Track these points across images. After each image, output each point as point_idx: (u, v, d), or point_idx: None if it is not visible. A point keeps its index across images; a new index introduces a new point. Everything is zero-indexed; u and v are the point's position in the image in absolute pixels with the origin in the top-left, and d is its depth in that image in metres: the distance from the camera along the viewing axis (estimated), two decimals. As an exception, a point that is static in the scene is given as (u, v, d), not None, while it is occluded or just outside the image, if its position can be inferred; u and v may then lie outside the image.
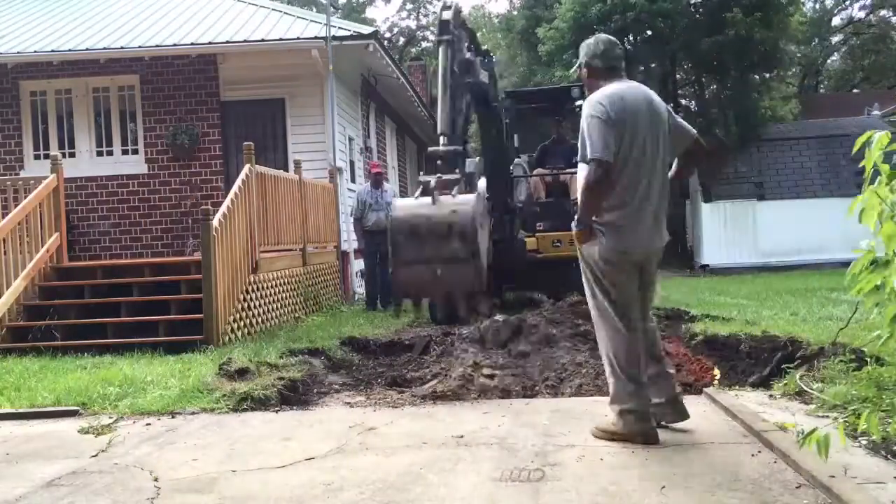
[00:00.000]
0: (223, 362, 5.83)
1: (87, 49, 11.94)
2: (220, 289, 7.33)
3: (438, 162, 5.72)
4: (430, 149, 5.91)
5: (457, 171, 5.69)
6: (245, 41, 11.79)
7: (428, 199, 5.16)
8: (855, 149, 2.71)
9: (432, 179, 5.35)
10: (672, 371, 4.26)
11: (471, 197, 5.24)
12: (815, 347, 5.32)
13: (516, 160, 11.26)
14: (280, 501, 3.23)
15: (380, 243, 9.59)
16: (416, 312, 8.56)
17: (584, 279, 4.08)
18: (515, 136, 10.95)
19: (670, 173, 4.14)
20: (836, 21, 28.76)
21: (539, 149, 11.66)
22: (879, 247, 2.69)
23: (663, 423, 4.03)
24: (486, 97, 8.81)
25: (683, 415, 4.05)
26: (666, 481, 3.21)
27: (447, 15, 6.66)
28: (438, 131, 6.09)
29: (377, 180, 11.17)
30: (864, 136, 2.71)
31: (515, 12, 22.94)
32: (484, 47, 9.66)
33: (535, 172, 11.11)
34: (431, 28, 39.73)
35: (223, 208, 7.75)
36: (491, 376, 5.54)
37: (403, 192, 17.04)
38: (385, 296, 10.65)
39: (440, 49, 6.59)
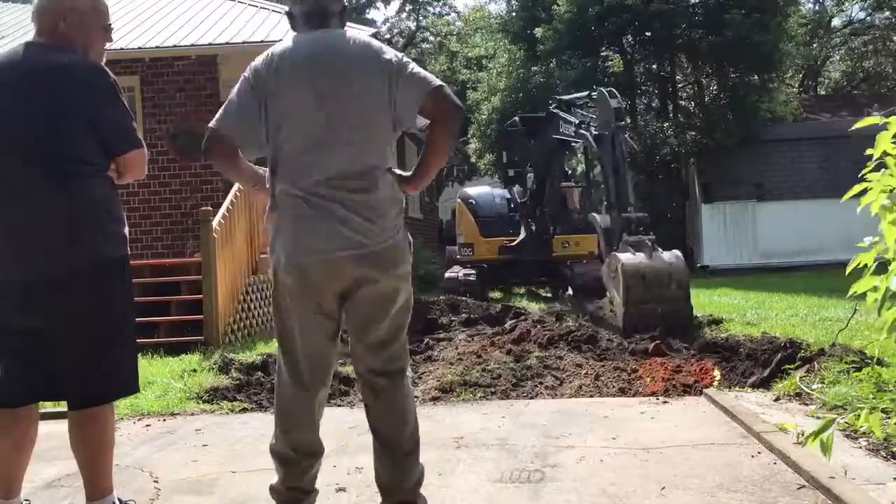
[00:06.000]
0: (223, 363, 5.84)
1: (87, 50, 11.94)
2: (220, 290, 7.33)
3: (632, 225, 7.73)
4: (624, 214, 7.90)
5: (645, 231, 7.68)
6: (245, 42, 11.77)
7: (642, 255, 7.21)
8: (859, 125, 2.69)
9: (643, 238, 7.46)
10: None
11: (677, 252, 7.37)
12: (815, 348, 5.33)
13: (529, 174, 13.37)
14: (280, 502, 3.23)
15: None
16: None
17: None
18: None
19: None
20: (835, 22, 28.75)
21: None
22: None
23: None
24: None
25: None
26: (666, 482, 3.21)
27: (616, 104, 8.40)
28: (631, 200, 8.05)
29: None
30: (867, 120, 2.68)
31: (514, 13, 22.84)
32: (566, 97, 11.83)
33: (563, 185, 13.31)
34: (431, 29, 39.69)
35: (223, 209, 7.75)
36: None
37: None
38: None
39: (621, 135, 8.33)
